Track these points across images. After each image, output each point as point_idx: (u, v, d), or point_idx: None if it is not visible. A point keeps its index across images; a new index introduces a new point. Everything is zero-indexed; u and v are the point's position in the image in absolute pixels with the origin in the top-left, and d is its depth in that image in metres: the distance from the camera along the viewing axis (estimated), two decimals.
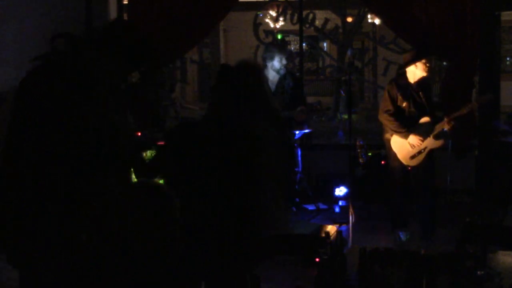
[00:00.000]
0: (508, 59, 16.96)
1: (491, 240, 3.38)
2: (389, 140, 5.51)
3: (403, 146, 5.43)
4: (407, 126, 5.38)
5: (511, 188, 6.22)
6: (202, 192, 2.96)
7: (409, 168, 5.52)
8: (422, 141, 5.36)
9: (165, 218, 2.29)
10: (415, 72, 5.40)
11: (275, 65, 5.66)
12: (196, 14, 6.69)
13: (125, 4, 7.29)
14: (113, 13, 7.26)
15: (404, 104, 5.38)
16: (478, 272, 2.75)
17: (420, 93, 5.39)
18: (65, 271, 2.35)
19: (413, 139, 5.36)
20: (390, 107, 5.41)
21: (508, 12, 7.90)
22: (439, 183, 6.33)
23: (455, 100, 6.04)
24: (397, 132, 5.41)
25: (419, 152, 5.40)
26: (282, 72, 5.68)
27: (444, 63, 7.49)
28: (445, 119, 5.36)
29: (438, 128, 5.37)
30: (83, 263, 2.27)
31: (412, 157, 5.42)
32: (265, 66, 5.72)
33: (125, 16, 7.21)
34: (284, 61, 5.67)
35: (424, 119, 5.39)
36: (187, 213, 2.45)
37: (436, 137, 5.37)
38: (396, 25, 6.65)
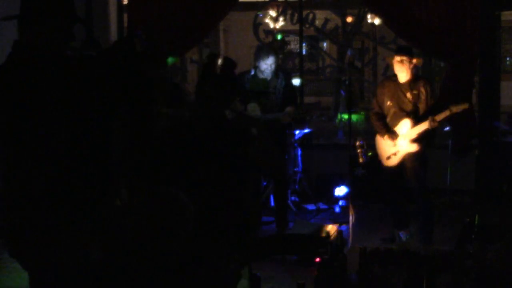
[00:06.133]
0: (508, 59, 16.91)
1: (491, 240, 3.38)
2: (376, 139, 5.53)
3: (383, 145, 5.42)
4: (389, 127, 5.33)
5: (511, 188, 6.21)
6: (196, 186, 2.97)
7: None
8: (394, 142, 5.28)
9: (179, 227, 2.27)
10: (396, 71, 5.31)
11: (261, 66, 5.66)
12: (196, 14, 6.69)
13: (125, 4, 7.29)
14: (113, 13, 7.25)
15: (388, 103, 5.35)
16: (478, 272, 2.76)
17: (408, 93, 5.25)
18: (73, 273, 2.34)
19: (387, 139, 5.31)
20: (375, 106, 5.45)
21: (508, 12, 7.89)
22: (439, 183, 6.34)
23: (455, 101, 6.02)
24: (377, 131, 5.44)
25: (395, 154, 5.33)
26: (266, 74, 5.65)
27: (442, 63, 7.47)
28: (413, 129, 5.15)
29: (413, 132, 5.19)
30: (91, 266, 2.27)
31: (388, 157, 5.39)
32: (258, 67, 5.74)
33: (125, 16, 7.23)
34: (269, 61, 5.61)
35: (404, 121, 5.26)
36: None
37: (412, 141, 5.22)
38: (396, 25, 6.65)
